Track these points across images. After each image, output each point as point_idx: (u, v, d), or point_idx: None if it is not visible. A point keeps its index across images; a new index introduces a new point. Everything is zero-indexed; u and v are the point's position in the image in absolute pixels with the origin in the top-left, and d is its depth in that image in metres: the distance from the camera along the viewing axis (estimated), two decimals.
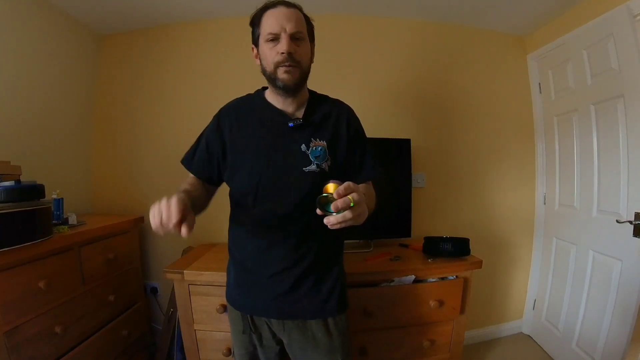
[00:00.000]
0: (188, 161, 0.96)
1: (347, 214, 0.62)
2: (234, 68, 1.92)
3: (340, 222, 0.63)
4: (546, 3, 1.72)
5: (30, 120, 1.58)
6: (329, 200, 0.63)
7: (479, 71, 2.05)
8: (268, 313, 0.91)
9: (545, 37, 1.94)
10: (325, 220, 0.63)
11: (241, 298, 0.94)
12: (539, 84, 2.07)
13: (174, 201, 0.63)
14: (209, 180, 0.95)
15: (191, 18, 1.90)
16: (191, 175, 0.97)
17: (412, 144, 1.80)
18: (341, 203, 0.61)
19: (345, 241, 1.05)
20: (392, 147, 1.76)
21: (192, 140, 1.93)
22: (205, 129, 0.97)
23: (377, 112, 1.93)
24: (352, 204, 0.62)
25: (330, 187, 0.65)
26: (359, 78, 1.94)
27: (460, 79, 2.04)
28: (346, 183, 0.64)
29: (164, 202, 0.63)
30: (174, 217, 0.61)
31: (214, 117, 0.96)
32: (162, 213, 0.62)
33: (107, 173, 2.01)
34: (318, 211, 0.64)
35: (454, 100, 2.04)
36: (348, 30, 1.92)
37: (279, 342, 0.95)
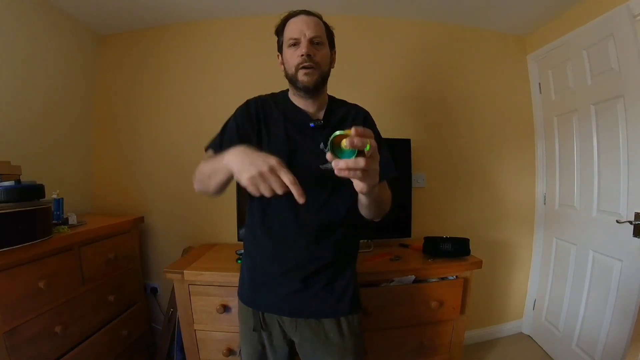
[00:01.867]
0: (216, 147, 0.90)
1: (360, 160, 0.54)
2: (234, 68, 1.92)
3: (350, 168, 0.54)
4: (546, 3, 1.72)
5: (30, 120, 1.58)
6: (344, 136, 0.54)
7: (479, 71, 2.05)
8: (280, 310, 0.92)
9: (545, 37, 1.94)
10: (334, 164, 0.55)
11: (254, 295, 0.95)
12: (539, 84, 2.07)
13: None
14: None
15: (191, 18, 1.90)
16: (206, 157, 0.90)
17: (412, 144, 1.80)
18: (357, 140, 0.53)
19: None
20: (393, 147, 1.75)
21: (192, 139, 1.95)
22: (230, 118, 0.95)
23: (377, 112, 1.91)
24: (367, 147, 0.54)
25: (347, 131, 0.56)
26: (358, 78, 1.94)
27: (460, 79, 2.04)
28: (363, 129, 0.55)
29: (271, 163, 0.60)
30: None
31: (242, 105, 0.96)
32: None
33: (107, 173, 2.01)
34: (328, 155, 0.56)
35: (454, 100, 2.04)
36: (348, 31, 1.92)
37: (289, 344, 0.95)
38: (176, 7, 1.77)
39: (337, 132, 0.55)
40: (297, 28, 0.86)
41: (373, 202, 0.79)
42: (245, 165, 0.63)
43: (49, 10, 1.66)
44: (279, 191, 0.60)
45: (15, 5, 1.48)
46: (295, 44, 0.86)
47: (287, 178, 0.60)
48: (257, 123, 0.92)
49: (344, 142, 0.55)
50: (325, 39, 0.90)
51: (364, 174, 0.56)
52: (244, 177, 0.61)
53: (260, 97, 0.99)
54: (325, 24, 0.93)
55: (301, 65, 0.86)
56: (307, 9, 0.91)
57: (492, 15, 1.89)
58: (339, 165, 0.55)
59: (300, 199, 0.60)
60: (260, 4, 1.74)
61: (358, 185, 0.61)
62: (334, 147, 0.56)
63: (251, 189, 0.61)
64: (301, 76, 0.86)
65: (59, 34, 1.74)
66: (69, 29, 1.79)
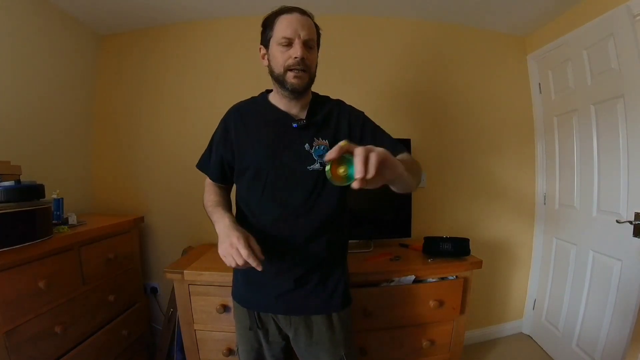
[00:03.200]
0: (205, 166, 1.03)
1: (359, 155, 0.54)
2: (234, 68, 1.92)
3: (365, 172, 0.54)
4: (546, 3, 1.72)
5: (30, 120, 1.58)
6: (335, 166, 0.56)
7: (479, 71, 2.05)
8: (275, 309, 0.93)
9: (545, 37, 1.94)
10: (356, 183, 0.55)
11: (248, 295, 0.97)
12: (539, 84, 2.07)
13: (241, 244, 0.74)
14: (225, 182, 1.02)
15: (191, 18, 1.90)
16: (208, 181, 1.04)
17: (412, 144, 1.80)
18: (333, 153, 0.56)
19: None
20: None
21: (192, 139, 1.96)
22: (214, 134, 1.01)
23: (376, 112, 1.92)
24: (344, 143, 0.55)
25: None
26: (358, 78, 1.94)
27: (460, 79, 2.04)
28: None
29: (237, 249, 0.74)
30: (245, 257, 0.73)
31: (221, 121, 0.99)
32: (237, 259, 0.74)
33: (107, 173, 2.01)
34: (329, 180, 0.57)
35: (454, 100, 2.03)
36: (348, 31, 1.92)
37: (285, 338, 0.97)
38: (176, 7, 1.77)
39: (327, 169, 0.58)
40: (291, 27, 0.83)
41: (406, 177, 0.72)
42: (220, 242, 0.79)
43: (49, 10, 1.66)
44: (240, 262, 0.74)
45: (14, 5, 1.48)
46: (288, 44, 0.83)
47: (243, 252, 0.73)
48: (236, 135, 0.93)
49: (340, 170, 0.57)
50: (316, 41, 0.89)
51: (380, 164, 0.55)
52: (220, 253, 0.78)
53: (239, 105, 1.00)
54: (315, 24, 0.91)
55: (292, 67, 0.84)
56: (301, 7, 0.88)
57: (492, 15, 1.88)
58: (359, 177, 0.54)
59: (257, 268, 0.74)
60: (260, 4, 1.73)
61: (386, 178, 0.61)
62: (336, 179, 0.58)
63: (225, 261, 0.76)
64: (291, 78, 0.85)
65: (59, 34, 1.73)
66: (69, 29, 1.79)
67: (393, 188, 0.76)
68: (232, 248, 0.74)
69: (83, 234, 1.37)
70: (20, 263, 1.09)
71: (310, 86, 0.92)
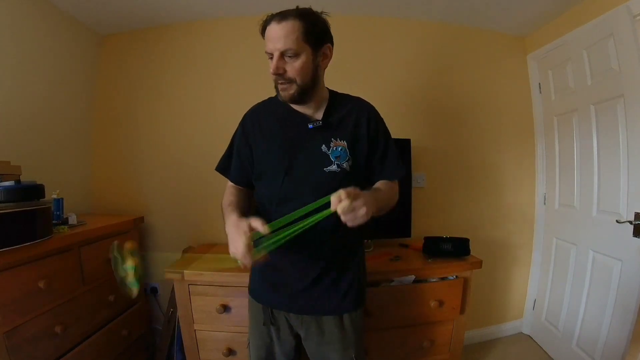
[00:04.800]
0: (225, 169, 1.03)
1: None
2: (235, 68, 1.92)
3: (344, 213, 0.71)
4: (546, 3, 1.72)
5: (31, 120, 1.58)
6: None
7: (479, 71, 2.05)
8: (287, 307, 0.94)
9: (545, 37, 1.94)
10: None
11: (263, 292, 0.98)
12: (539, 84, 2.07)
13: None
14: (247, 185, 1.00)
15: (191, 18, 1.90)
16: (229, 183, 1.03)
17: (412, 144, 1.80)
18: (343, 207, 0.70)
19: None
20: None
21: (192, 139, 1.95)
22: (234, 136, 1.01)
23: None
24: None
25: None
26: (358, 78, 1.94)
27: (460, 78, 2.04)
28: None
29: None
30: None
31: (240, 122, 1.00)
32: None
33: (107, 173, 2.01)
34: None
35: (454, 100, 2.03)
36: (349, 31, 1.92)
37: (296, 337, 0.98)
38: (176, 7, 1.77)
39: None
40: (269, 42, 0.81)
41: (384, 209, 0.87)
42: (229, 241, 0.77)
43: (49, 10, 1.66)
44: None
45: (15, 6, 1.48)
46: (271, 58, 0.82)
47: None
48: (253, 138, 0.94)
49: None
50: (301, 46, 0.80)
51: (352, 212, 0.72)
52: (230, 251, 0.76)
53: (257, 106, 1.01)
54: (305, 21, 0.81)
55: (277, 82, 0.85)
56: (282, 11, 0.81)
57: (492, 15, 1.88)
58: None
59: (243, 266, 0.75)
60: (260, 4, 1.74)
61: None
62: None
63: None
64: (279, 90, 0.86)
65: (59, 34, 1.73)
66: (69, 29, 1.79)
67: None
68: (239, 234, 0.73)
69: (83, 234, 1.37)
70: (20, 263, 1.09)
71: (305, 94, 0.86)
